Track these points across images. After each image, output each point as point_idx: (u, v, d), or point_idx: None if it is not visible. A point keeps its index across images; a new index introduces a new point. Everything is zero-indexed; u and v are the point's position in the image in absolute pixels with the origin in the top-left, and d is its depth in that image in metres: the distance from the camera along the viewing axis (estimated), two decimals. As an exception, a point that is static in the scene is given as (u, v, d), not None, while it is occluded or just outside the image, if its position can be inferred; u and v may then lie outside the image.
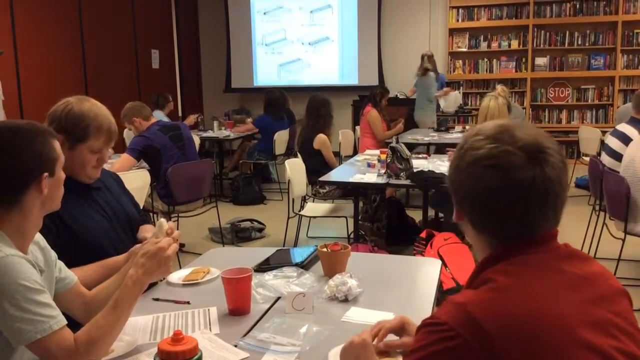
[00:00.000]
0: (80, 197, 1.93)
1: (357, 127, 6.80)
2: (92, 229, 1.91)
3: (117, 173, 3.71)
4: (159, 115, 6.11)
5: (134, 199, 2.26)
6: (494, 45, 9.00)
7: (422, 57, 7.38)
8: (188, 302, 1.77)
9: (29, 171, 1.40)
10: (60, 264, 1.61)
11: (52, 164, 1.45)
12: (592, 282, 1.02)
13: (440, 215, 5.01)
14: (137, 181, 3.91)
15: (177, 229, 1.61)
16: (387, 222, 4.70)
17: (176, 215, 4.45)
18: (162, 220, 1.58)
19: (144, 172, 4.02)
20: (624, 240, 3.62)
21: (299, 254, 2.14)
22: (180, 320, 1.65)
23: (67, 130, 1.88)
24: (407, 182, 3.95)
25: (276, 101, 6.99)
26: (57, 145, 1.48)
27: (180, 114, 9.17)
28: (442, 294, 3.49)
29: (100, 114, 1.94)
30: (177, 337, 1.15)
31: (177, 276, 1.97)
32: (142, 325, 1.62)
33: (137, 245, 1.64)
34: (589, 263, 1.06)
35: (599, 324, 0.97)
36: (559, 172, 1.02)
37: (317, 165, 4.87)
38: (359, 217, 4.43)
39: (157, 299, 1.81)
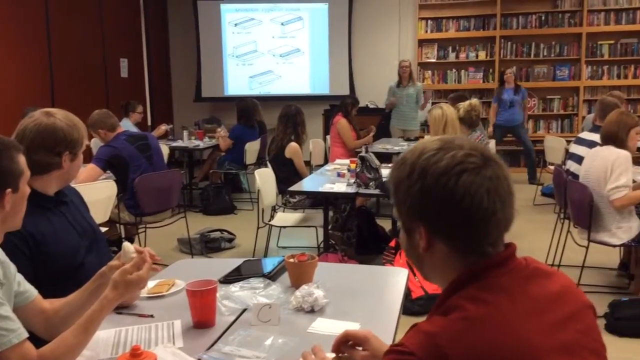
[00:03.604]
0: (48, 213, 1.89)
1: (328, 137, 6.82)
2: (63, 245, 1.88)
3: (83, 184, 3.68)
4: (127, 125, 6.04)
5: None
6: (462, 56, 9.14)
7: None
8: (152, 316, 1.75)
9: None
10: (20, 277, 1.58)
11: (17, 179, 1.42)
12: (558, 302, 1.03)
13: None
14: (104, 192, 3.87)
15: (144, 242, 1.60)
16: (357, 232, 4.72)
17: (143, 226, 4.39)
18: (126, 243, 1.57)
19: (111, 182, 3.97)
20: (587, 248, 3.69)
21: (270, 264, 2.13)
22: (143, 334, 1.63)
23: (68, 143, 1.88)
24: (377, 191, 3.97)
25: (248, 110, 6.98)
26: (22, 159, 1.45)
27: (149, 123, 9.07)
28: (410, 303, 3.52)
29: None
30: (135, 352, 1.14)
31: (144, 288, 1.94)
32: (104, 340, 1.59)
33: (104, 268, 1.62)
34: (552, 280, 1.06)
35: (567, 347, 0.98)
36: (507, 169, 1.05)
37: (288, 175, 4.86)
38: (329, 227, 4.43)
39: (120, 312, 1.78)
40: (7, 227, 1.45)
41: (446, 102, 5.23)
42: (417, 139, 6.92)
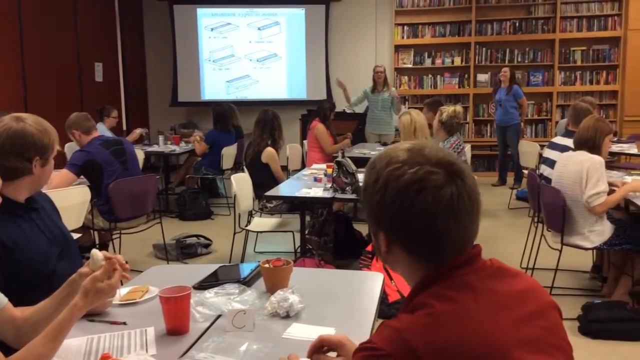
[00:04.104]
0: (19, 220, 1.86)
1: (305, 141, 6.82)
2: (34, 252, 1.84)
3: (56, 190, 3.62)
4: (102, 129, 5.96)
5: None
6: (438, 61, 9.22)
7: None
8: (125, 323, 1.72)
9: None
10: None
11: None
12: (523, 300, 1.04)
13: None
14: (77, 197, 3.81)
15: (119, 248, 1.59)
16: (334, 236, 4.72)
17: (118, 232, 4.34)
18: (95, 250, 1.54)
19: (84, 188, 3.92)
20: (560, 251, 3.74)
21: (247, 269, 2.12)
22: (116, 341, 1.60)
23: (38, 148, 1.85)
24: (353, 196, 3.98)
25: (224, 114, 6.95)
26: None
27: (125, 127, 8.98)
28: (387, 307, 3.53)
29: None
30: (106, 360, 1.12)
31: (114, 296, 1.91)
32: (75, 348, 1.56)
33: (74, 275, 1.60)
34: (517, 279, 1.08)
35: (532, 341, 1.00)
36: (473, 180, 1.06)
37: (264, 180, 4.85)
38: (306, 232, 4.43)
39: (92, 320, 1.75)
40: None
41: (415, 109, 5.31)
42: (393, 143, 6.96)
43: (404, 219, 1.02)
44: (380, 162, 1.07)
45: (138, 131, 7.13)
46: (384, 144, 6.93)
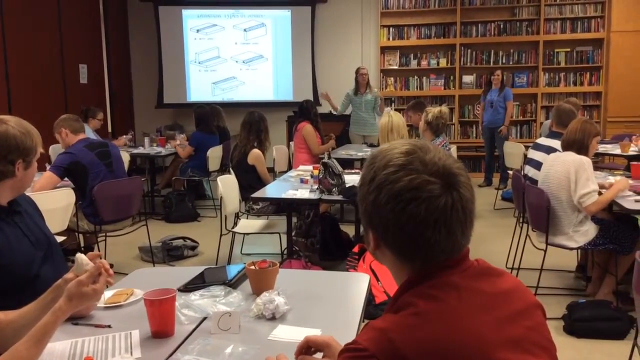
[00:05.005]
0: (2, 223, 1.83)
1: (292, 143, 6.82)
2: (18, 256, 1.82)
3: (40, 192, 3.58)
4: (87, 131, 5.92)
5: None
6: (424, 63, 9.26)
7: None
8: (109, 326, 1.71)
9: None
10: None
11: None
12: (507, 299, 1.05)
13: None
14: (61, 200, 3.78)
15: (104, 251, 1.58)
16: (321, 238, 4.72)
17: (103, 234, 4.31)
18: (79, 254, 1.53)
19: (69, 190, 3.89)
20: (545, 251, 3.77)
21: (234, 271, 2.11)
22: (100, 345, 1.59)
23: (21, 151, 1.83)
24: (340, 197, 3.98)
25: (206, 116, 6.94)
26: None
27: (110, 129, 8.92)
28: (374, 308, 3.53)
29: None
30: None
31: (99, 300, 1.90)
32: (59, 352, 1.55)
33: (60, 281, 1.58)
34: (502, 279, 1.09)
35: (516, 341, 1.00)
36: (471, 191, 1.05)
37: (251, 181, 4.84)
38: (293, 233, 4.42)
39: (76, 323, 1.73)
40: None
41: (397, 111, 5.39)
42: (378, 144, 7.00)
43: (395, 223, 1.02)
44: (380, 161, 1.06)
45: (123, 139, 7.11)
46: (371, 145, 6.94)
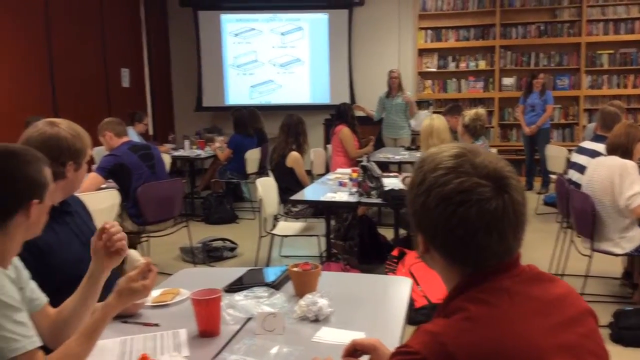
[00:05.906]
0: (54, 223, 1.88)
1: (329, 146, 6.83)
2: (68, 256, 1.87)
3: (86, 193, 3.67)
4: (131, 134, 6.05)
5: None
6: (462, 65, 9.16)
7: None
8: (157, 324, 1.75)
9: (20, 196, 1.40)
10: (33, 283, 1.59)
11: (43, 190, 1.45)
12: (560, 306, 1.04)
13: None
14: (106, 201, 3.87)
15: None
16: (359, 241, 4.71)
17: (146, 235, 4.39)
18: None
19: (114, 191, 3.98)
20: (590, 257, 3.69)
21: (272, 274, 2.13)
22: (149, 342, 1.62)
23: (72, 153, 1.89)
24: (379, 200, 3.97)
25: (243, 119, 7.01)
26: (48, 172, 1.48)
27: (151, 132, 9.08)
28: (414, 312, 3.51)
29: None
30: (144, 361, 1.14)
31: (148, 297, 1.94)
32: (110, 349, 1.59)
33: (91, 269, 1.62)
34: (555, 285, 1.07)
35: (570, 348, 0.99)
36: (522, 194, 1.04)
37: (289, 184, 4.87)
38: (331, 236, 4.43)
39: (125, 321, 1.77)
40: (28, 236, 1.47)
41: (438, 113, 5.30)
42: (409, 147, 6.98)
43: (444, 226, 1.01)
44: (429, 164, 1.05)
45: (166, 147, 7.26)
46: (409, 149, 6.90)
